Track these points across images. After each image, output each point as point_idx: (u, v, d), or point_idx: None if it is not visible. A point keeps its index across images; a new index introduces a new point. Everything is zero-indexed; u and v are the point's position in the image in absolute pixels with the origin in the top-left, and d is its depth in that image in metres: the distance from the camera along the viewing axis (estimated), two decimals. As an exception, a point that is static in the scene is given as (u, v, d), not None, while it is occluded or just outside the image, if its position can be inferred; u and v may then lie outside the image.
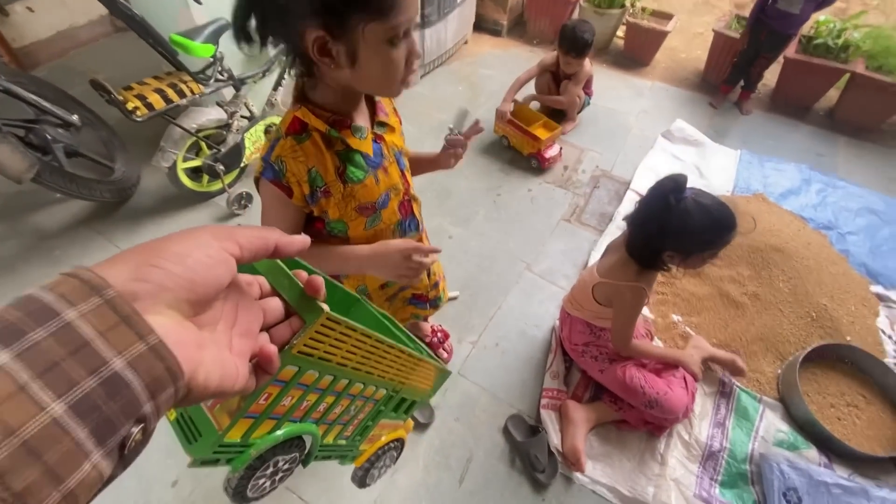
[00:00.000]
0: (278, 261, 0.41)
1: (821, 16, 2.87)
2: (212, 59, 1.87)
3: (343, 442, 0.63)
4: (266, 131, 2.24)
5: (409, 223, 1.00)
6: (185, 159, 2.04)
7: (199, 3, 1.89)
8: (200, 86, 1.86)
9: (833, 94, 3.03)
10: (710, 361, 1.67)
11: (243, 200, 2.22)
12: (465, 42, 3.57)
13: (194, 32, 1.74)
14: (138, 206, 2.24)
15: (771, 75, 3.06)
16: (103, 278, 0.23)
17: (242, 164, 2.19)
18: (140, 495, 1.39)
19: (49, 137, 1.86)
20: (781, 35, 2.68)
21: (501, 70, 3.29)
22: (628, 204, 2.32)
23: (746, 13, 2.79)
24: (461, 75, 3.28)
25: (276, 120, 2.26)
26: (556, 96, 2.69)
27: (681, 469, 1.47)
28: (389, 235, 0.96)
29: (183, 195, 2.18)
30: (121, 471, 0.23)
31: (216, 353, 0.29)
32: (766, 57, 2.82)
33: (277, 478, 0.51)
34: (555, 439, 1.50)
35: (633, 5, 3.44)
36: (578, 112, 2.80)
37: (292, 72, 0.74)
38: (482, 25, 3.72)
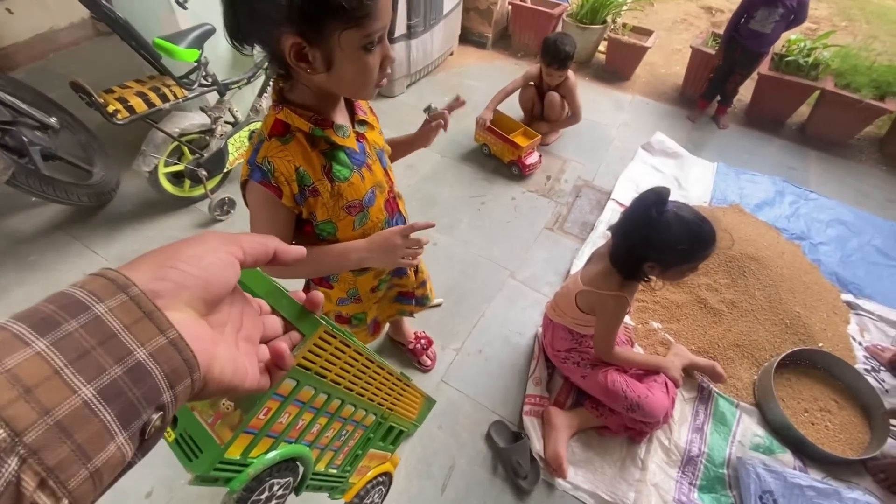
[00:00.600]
0: (276, 283, 0.43)
1: (791, 35, 3.00)
2: (196, 64, 1.86)
3: (334, 471, 0.64)
4: (250, 137, 2.23)
5: (396, 221, 1.02)
6: (167, 164, 2.02)
7: (184, 8, 1.89)
8: (184, 90, 1.84)
9: (804, 110, 3.15)
10: (690, 368, 1.71)
11: (226, 206, 2.20)
12: (451, 53, 3.62)
13: (178, 37, 1.73)
14: (117, 211, 2.20)
15: (746, 91, 3.17)
16: (128, 277, 0.25)
17: (226, 170, 2.17)
18: (112, 507, 1.35)
19: (25, 140, 1.82)
20: (754, 53, 2.79)
21: (486, 81, 3.34)
22: (609, 213, 2.37)
23: (722, 31, 2.89)
24: (447, 86, 3.32)
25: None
26: (564, 113, 2.75)
27: (661, 474, 1.49)
28: None
29: (164, 200, 2.15)
30: (140, 457, 0.25)
31: (228, 350, 0.31)
32: (740, 73, 2.93)
33: None
34: (537, 445, 1.51)
35: (614, 21, 3.54)
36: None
37: (271, 73, 0.76)
38: (468, 37, 3.78)
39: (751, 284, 1.96)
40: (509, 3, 3.68)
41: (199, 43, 1.79)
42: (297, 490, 0.55)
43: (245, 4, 0.63)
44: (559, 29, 3.59)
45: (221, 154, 2.09)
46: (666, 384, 1.51)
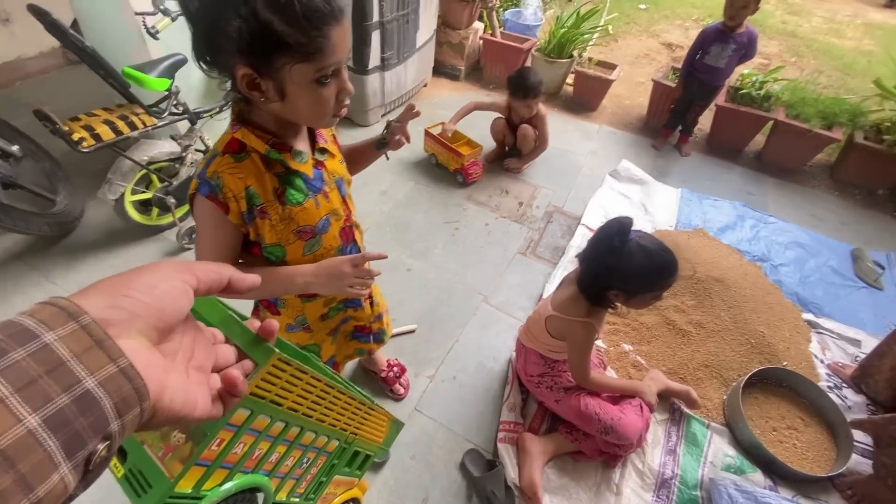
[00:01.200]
0: (231, 312, 0.43)
1: (744, 69, 3.20)
2: (167, 93, 1.86)
3: (296, 499, 0.63)
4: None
5: (350, 250, 1.01)
6: (135, 192, 1.98)
7: (156, 39, 1.90)
8: (153, 118, 1.84)
9: (760, 139, 3.34)
10: (666, 393, 1.71)
11: (194, 234, 2.16)
12: (425, 85, 3.71)
13: (149, 66, 1.74)
14: (80, 241, 2.14)
15: (706, 121, 3.34)
16: (79, 305, 0.25)
17: (195, 198, 2.15)
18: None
19: (-16, 168, 1.77)
20: (710, 86, 2.96)
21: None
22: (580, 238, 2.42)
23: (681, 65, 3.07)
24: (421, 116, 3.39)
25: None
26: (536, 144, 2.83)
27: (635, 498, 1.48)
28: None
29: (130, 229, 2.10)
30: (83, 489, 0.25)
31: (179, 379, 0.31)
32: (699, 105, 3.09)
33: None
34: (512, 474, 1.49)
35: (580, 55, 3.71)
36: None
37: (233, 97, 0.76)
38: (441, 70, 3.90)
39: (716, 305, 2.02)
40: (480, 38, 3.82)
41: (170, 72, 1.80)
42: None
43: (203, 33, 0.64)
44: (528, 63, 3.74)
45: (191, 182, 2.07)
46: (641, 406, 1.52)
